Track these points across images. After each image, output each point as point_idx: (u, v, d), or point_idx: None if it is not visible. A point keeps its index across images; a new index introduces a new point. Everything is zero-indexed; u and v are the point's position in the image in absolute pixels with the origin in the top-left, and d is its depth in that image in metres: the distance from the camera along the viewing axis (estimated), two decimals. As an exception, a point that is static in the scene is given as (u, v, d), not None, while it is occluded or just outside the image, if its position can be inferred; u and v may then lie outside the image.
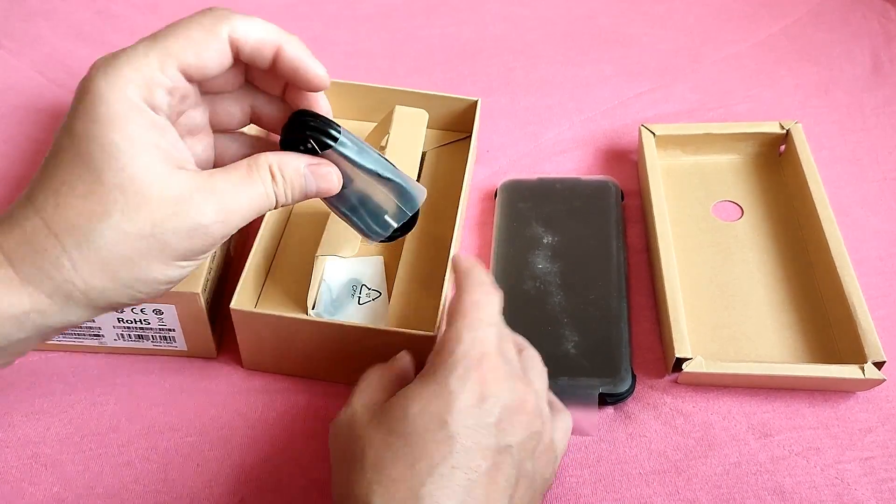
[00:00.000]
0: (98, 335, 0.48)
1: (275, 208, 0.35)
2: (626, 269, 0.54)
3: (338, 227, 0.48)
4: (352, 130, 0.62)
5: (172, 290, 0.45)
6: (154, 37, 0.32)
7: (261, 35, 0.33)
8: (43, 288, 0.30)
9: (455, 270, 0.39)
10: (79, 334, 0.48)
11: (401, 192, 0.40)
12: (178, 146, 0.32)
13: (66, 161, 0.30)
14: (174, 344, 0.49)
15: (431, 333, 0.44)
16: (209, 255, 0.33)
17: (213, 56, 0.32)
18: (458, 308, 0.37)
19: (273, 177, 0.34)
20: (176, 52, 0.31)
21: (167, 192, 0.30)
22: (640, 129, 0.60)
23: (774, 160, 0.61)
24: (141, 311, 0.46)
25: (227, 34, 0.32)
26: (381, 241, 0.42)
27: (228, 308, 0.46)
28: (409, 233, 0.54)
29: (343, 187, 0.38)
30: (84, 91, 0.30)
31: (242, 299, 0.46)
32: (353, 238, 0.48)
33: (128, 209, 0.30)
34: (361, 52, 0.73)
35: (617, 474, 0.45)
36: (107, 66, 0.30)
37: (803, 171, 0.56)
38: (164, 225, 0.30)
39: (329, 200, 0.39)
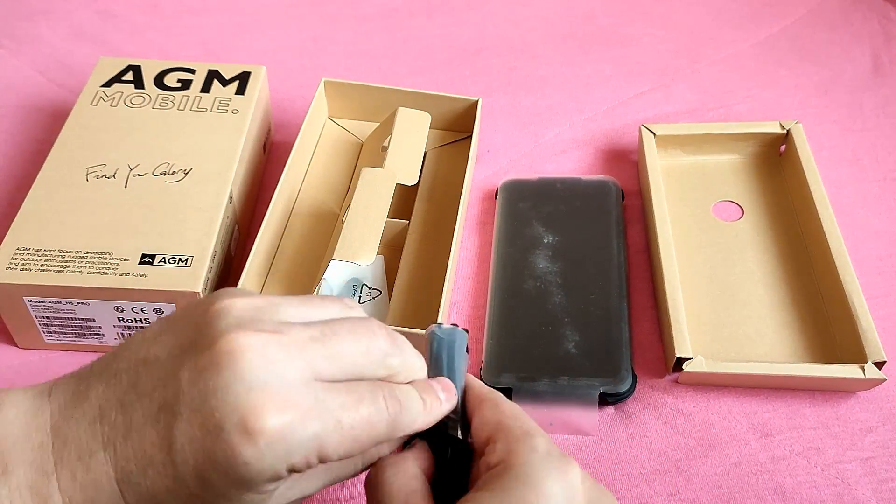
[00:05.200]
0: (98, 334, 0.48)
1: None
2: (627, 269, 0.54)
3: (354, 232, 0.48)
4: (353, 130, 0.63)
5: (172, 288, 0.45)
6: (344, 407, 0.29)
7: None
8: None
9: (469, 386, 0.35)
10: (79, 334, 0.48)
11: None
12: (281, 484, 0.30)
13: (184, 497, 0.28)
14: (174, 344, 0.48)
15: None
16: None
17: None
18: (503, 416, 0.33)
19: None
20: (344, 443, 0.29)
21: None
22: (640, 129, 0.60)
23: (774, 160, 0.61)
24: (141, 310, 0.46)
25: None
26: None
27: (229, 308, 0.45)
28: (409, 233, 0.55)
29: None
30: (238, 455, 0.27)
31: (243, 299, 0.46)
32: (371, 245, 0.47)
33: None
34: (362, 52, 0.73)
35: (617, 474, 0.45)
36: (277, 441, 0.27)
37: (803, 171, 0.56)
38: None
39: None
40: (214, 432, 0.27)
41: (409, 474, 0.32)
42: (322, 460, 0.28)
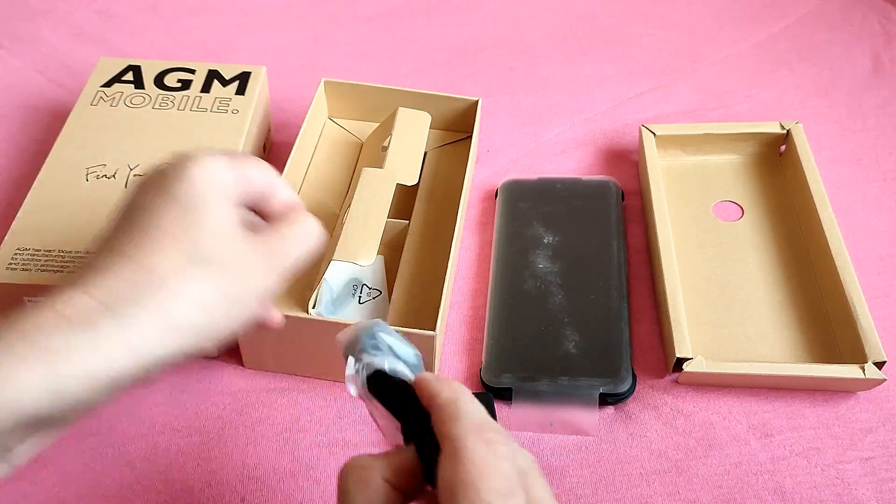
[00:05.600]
0: (98, 335, 0.48)
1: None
2: (627, 269, 0.54)
3: (354, 232, 0.48)
4: (352, 131, 0.63)
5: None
6: (237, 154, 0.37)
7: (289, 196, 0.38)
8: (147, 322, 0.30)
9: (431, 403, 0.30)
10: (79, 334, 0.48)
11: None
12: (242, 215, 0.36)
13: (167, 218, 0.32)
14: (175, 344, 0.48)
15: (431, 333, 0.44)
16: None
17: (267, 190, 0.37)
18: (458, 478, 0.27)
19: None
20: (251, 169, 0.36)
21: (243, 256, 0.34)
22: (640, 129, 0.60)
23: (775, 160, 0.61)
24: (141, 310, 0.46)
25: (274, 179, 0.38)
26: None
27: (229, 308, 0.46)
28: (409, 233, 0.55)
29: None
30: (182, 171, 0.34)
31: (243, 299, 0.46)
32: (371, 245, 0.47)
33: (223, 267, 0.33)
34: (362, 52, 0.73)
35: (618, 474, 0.45)
36: (207, 157, 0.34)
37: (803, 171, 0.56)
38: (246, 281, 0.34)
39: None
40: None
41: (373, 488, 0.29)
42: (244, 174, 0.35)
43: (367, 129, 0.62)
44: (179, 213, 0.33)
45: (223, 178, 0.34)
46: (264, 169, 0.37)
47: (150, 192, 0.34)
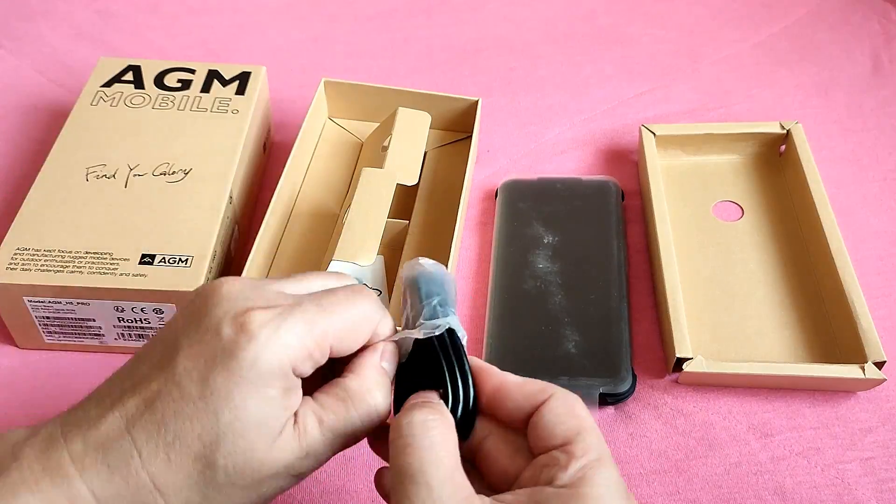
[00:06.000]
0: (98, 334, 0.48)
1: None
2: (627, 269, 0.54)
3: (354, 232, 0.48)
4: (352, 131, 0.63)
5: (172, 289, 0.45)
6: (321, 306, 0.31)
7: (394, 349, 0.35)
8: None
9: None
10: (79, 334, 0.48)
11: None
12: (296, 405, 0.31)
13: (190, 413, 0.29)
14: (174, 344, 0.48)
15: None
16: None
17: (356, 346, 0.33)
18: (583, 424, 0.33)
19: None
20: (336, 334, 0.31)
21: (270, 466, 0.30)
22: (640, 129, 0.60)
23: (774, 160, 0.61)
24: (141, 310, 0.46)
25: (372, 332, 0.33)
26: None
27: (229, 308, 0.45)
28: (409, 233, 0.55)
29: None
30: (237, 346, 0.29)
31: (243, 299, 0.46)
32: (371, 246, 0.47)
33: (231, 480, 0.29)
34: (361, 52, 0.73)
35: (617, 474, 0.45)
36: (272, 330, 0.29)
37: (803, 171, 0.56)
38: (260, 491, 0.30)
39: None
40: (213, 340, 0.29)
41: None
42: (320, 347, 0.30)
43: (367, 129, 0.62)
44: (207, 424, 0.29)
45: (291, 358, 0.30)
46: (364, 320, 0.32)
47: (185, 366, 0.29)
